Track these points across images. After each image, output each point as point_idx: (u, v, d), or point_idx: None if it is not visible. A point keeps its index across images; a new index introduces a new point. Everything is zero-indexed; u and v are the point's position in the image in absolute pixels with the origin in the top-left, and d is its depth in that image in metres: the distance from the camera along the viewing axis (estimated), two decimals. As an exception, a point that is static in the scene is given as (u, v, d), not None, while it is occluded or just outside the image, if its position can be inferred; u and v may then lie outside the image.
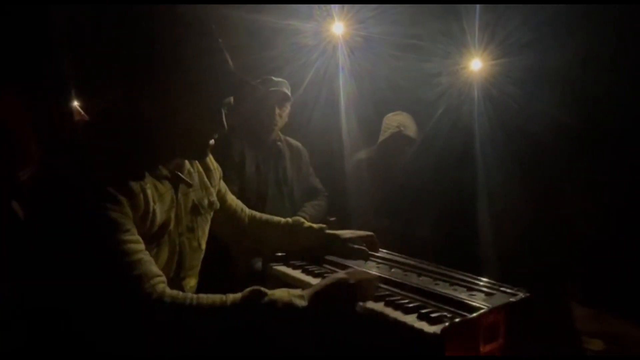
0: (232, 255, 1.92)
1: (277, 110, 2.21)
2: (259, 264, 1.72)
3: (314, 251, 1.51)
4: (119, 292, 0.90)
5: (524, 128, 2.63)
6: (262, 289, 0.97)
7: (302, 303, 0.97)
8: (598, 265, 1.99)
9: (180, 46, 1.01)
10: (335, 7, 2.51)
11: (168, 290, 0.93)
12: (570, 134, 2.59)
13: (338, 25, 2.57)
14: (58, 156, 1.02)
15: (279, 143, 2.32)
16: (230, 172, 1.51)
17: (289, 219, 1.56)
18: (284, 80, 2.25)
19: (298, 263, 1.50)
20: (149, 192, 1.02)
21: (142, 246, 0.96)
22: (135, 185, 0.98)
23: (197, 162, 1.29)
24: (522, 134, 2.63)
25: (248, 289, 0.97)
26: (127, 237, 0.93)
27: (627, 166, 2.30)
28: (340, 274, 1.10)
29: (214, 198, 1.31)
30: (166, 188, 1.11)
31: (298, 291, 1.01)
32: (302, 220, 1.55)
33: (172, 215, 1.12)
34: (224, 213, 1.43)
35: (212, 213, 1.31)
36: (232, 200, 1.48)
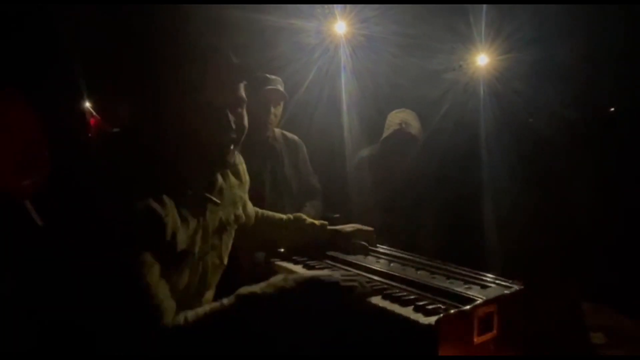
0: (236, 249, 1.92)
1: (272, 110, 2.14)
2: (261, 256, 1.74)
3: (315, 247, 1.54)
4: (129, 321, 0.93)
5: (530, 124, 2.63)
6: (248, 289, 1.01)
7: (284, 283, 1.02)
8: (599, 260, 1.99)
9: (177, 47, 0.98)
10: (337, 6, 2.52)
11: (171, 321, 0.94)
12: (575, 130, 2.58)
13: (340, 24, 2.58)
14: (80, 171, 1.03)
15: (273, 142, 2.25)
16: None
17: (291, 215, 1.58)
18: (278, 78, 2.18)
19: (300, 258, 1.52)
20: (169, 219, 0.98)
21: (156, 278, 0.95)
22: (152, 216, 0.95)
23: (230, 175, 1.24)
24: (528, 129, 2.63)
25: (239, 292, 1.01)
26: (142, 271, 0.93)
27: (630, 162, 2.29)
28: (326, 274, 1.10)
29: (240, 212, 1.28)
30: (190, 212, 1.05)
31: (280, 276, 1.05)
32: (304, 216, 1.57)
33: (198, 238, 1.08)
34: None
35: (236, 227, 1.28)
36: (251, 208, 1.46)
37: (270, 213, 1.58)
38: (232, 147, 1.05)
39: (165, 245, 0.98)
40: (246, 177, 1.34)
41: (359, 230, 1.54)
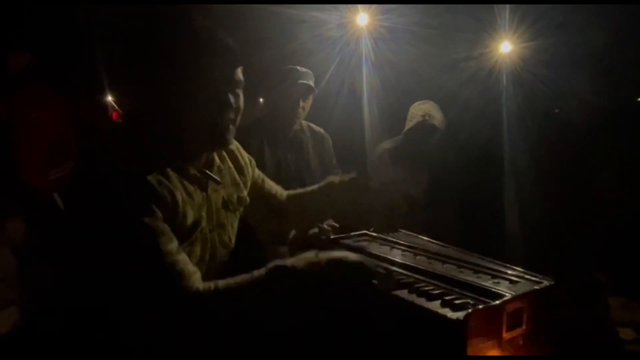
0: (258, 241, 1.92)
1: (301, 103, 2.15)
2: (284, 250, 1.75)
3: (348, 207, 1.46)
4: (159, 292, 0.96)
5: (555, 113, 2.57)
6: (278, 262, 1.02)
7: (315, 259, 1.02)
8: (629, 254, 1.95)
9: (181, 39, 1.03)
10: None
11: (201, 285, 0.98)
12: (603, 118, 2.52)
13: (362, 16, 2.56)
14: (94, 159, 1.07)
15: (300, 134, 2.26)
16: None
17: (321, 183, 1.52)
18: (309, 71, 2.18)
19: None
20: (177, 193, 1.05)
21: (175, 246, 1.00)
22: (163, 189, 1.01)
23: (227, 158, 1.28)
24: (553, 119, 2.57)
25: (270, 265, 1.02)
26: (162, 240, 0.98)
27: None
28: (356, 255, 1.08)
29: (244, 194, 1.31)
30: (195, 187, 1.13)
31: (312, 252, 1.04)
32: (332, 177, 1.51)
33: (204, 213, 1.14)
34: (264, 199, 1.43)
35: (241, 209, 1.31)
36: (270, 185, 1.48)
37: (302, 189, 1.54)
38: (231, 126, 1.10)
39: (177, 216, 1.04)
40: (246, 160, 1.36)
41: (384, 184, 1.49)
